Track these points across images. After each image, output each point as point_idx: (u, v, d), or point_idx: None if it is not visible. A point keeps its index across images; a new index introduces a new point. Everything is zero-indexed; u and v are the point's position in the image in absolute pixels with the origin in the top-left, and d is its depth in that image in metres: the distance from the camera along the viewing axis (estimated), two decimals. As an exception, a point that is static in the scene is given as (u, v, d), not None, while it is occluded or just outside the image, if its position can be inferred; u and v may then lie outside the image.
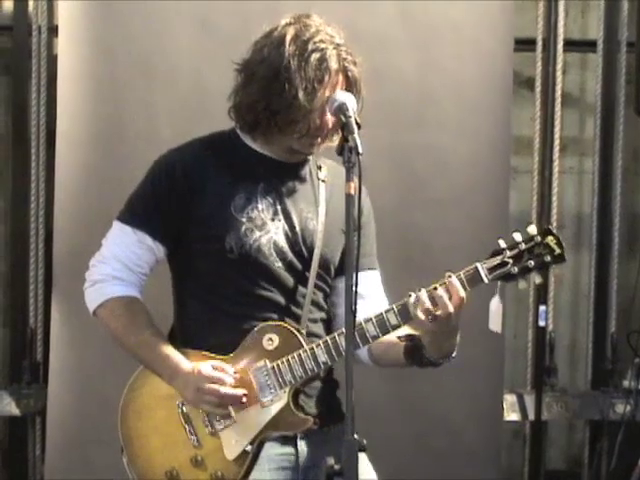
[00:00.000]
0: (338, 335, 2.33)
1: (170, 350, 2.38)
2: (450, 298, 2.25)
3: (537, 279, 2.32)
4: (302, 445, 2.41)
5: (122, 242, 2.45)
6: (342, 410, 2.43)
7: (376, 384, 3.64)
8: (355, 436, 2.38)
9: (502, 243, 2.30)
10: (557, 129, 4.34)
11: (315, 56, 2.35)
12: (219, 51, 3.91)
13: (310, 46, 2.35)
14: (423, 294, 2.26)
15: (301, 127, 2.37)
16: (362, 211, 2.49)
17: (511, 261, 2.28)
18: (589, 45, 4.43)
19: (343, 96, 2.29)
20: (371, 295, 2.51)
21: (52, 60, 4.12)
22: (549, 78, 4.32)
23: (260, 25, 3.76)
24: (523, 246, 2.28)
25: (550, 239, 2.29)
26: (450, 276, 2.27)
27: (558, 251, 2.28)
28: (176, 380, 2.36)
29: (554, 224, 4.26)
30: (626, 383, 4.19)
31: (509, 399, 4.26)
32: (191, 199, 2.40)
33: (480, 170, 4.03)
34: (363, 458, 2.45)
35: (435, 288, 2.27)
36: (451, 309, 2.24)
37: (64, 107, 3.94)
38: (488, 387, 4.07)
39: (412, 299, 2.28)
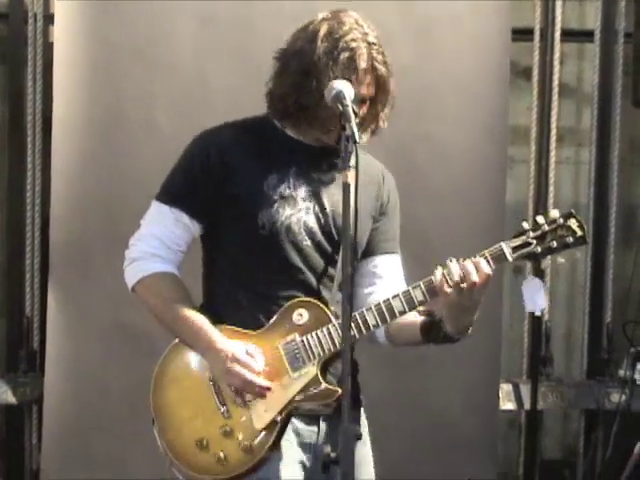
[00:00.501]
0: (366, 310, 2.37)
1: (204, 323, 2.42)
2: (477, 272, 2.29)
3: (559, 259, 2.36)
4: (323, 426, 2.45)
5: (159, 221, 2.49)
6: (359, 397, 2.52)
7: (373, 373, 3.59)
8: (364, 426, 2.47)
9: (525, 225, 2.35)
10: (554, 119, 4.34)
11: (345, 55, 2.37)
12: (217, 38, 3.91)
13: (341, 44, 2.38)
14: (453, 264, 2.30)
15: (328, 123, 2.39)
16: (389, 198, 2.58)
17: (534, 241, 2.34)
18: (587, 35, 4.42)
19: (340, 84, 2.32)
20: (388, 276, 2.55)
21: (48, 48, 4.11)
22: (546, 68, 4.31)
23: (260, 14, 3.80)
24: (546, 227, 2.33)
25: (572, 222, 2.34)
26: (475, 256, 2.31)
27: (580, 233, 2.34)
28: (209, 353, 2.40)
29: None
30: (621, 373, 4.19)
31: (505, 388, 4.27)
32: (225, 180, 2.44)
33: (477, 160, 4.03)
34: (367, 453, 2.51)
35: (463, 260, 2.31)
36: (476, 281, 2.28)
37: (60, 94, 3.93)
38: (484, 376, 4.08)
39: (439, 270, 2.32)
